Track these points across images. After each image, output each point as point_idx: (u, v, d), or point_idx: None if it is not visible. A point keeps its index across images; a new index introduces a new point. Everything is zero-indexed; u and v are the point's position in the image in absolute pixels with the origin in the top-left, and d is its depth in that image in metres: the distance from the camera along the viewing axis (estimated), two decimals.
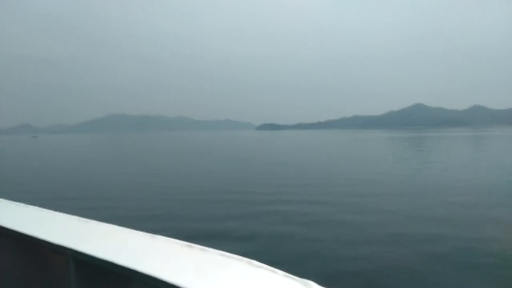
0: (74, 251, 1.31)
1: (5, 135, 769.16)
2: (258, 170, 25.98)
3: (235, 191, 16.90)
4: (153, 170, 27.95)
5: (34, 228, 1.55)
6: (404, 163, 29.78)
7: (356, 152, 41.94)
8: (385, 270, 7.32)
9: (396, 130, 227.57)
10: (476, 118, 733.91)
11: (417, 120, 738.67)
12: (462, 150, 45.78)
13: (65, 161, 40.43)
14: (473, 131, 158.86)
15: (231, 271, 1.04)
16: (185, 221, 11.57)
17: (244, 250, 7.77)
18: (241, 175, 23.26)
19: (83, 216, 1.69)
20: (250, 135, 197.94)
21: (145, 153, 54.26)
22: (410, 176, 21.37)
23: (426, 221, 10.89)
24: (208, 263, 1.10)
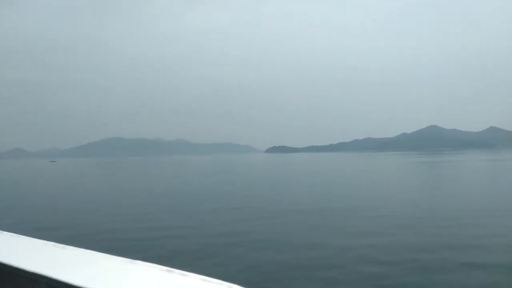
0: (50, 278, 1.31)
1: None
2: (249, 193, 27.43)
3: (218, 215, 17.75)
4: (136, 195, 29.45)
5: (9, 256, 1.55)
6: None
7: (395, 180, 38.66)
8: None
9: (414, 153, 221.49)
10: (493, 139, 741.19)
11: (432, 142, 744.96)
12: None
13: (50, 186, 42.59)
14: (497, 154, 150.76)
15: None
16: (165, 245, 11.94)
17: (225, 274, 8.64)
18: (230, 198, 24.77)
19: (60, 242, 1.70)
20: (261, 158, 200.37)
21: (133, 177, 57.48)
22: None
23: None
24: None
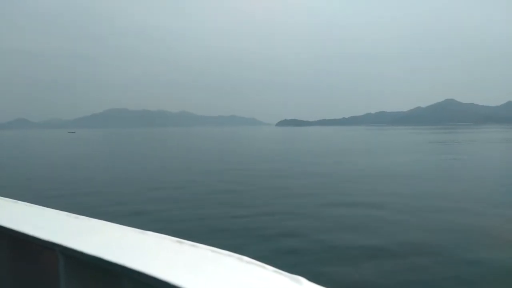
0: (64, 247, 1.36)
1: (1, 129, 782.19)
2: (257, 165, 27.04)
3: (228, 187, 17.66)
4: (146, 165, 29.04)
5: (24, 224, 1.61)
6: None
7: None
8: (381, 268, 7.51)
9: (433, 128, 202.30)
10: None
11: (449, 117, 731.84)
12: None
13: (55, 156, 42.30)
14: None
15: (221, 267, 1.09)
16: (177, 217, 12.05)
17: (235, 246, 8.13)
18: (238, 170, 24.27)
19: (73, 212, 1.75)
20: (276, 131, 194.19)
21: (142, 148, 55.73)
22: None
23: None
24: (199, 259, 1.16)
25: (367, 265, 7.75)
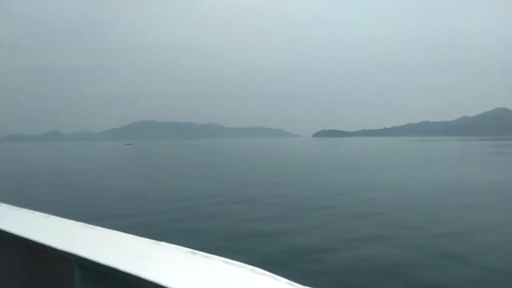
0: (80, 257, 1.42)
1: (35, 142, 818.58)
2: (269, 178, 28.03)
3: (241, 199, 18.23)
4: (163, 178, 30.52)
5: (40, 234, 1.69)
6: None
7: None
8: (393, 281, 7.76)
9: (497, 138, 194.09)
10: None
11: (502, 126, 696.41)
12: None
13: (78, 167, 46.00)
14: None
15: (234, 278, 1.12)
16: (190, 228, 12.68)
17: (248, 257, 8.80)
18: (250, 183, 25.41)
19: (88, 222, 1.84)
20: (308, 142, 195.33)
21: (162, 161, 59.61)
22: None
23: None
24: (212, 270, 1.19)
25: (380, 278, 7.94)
